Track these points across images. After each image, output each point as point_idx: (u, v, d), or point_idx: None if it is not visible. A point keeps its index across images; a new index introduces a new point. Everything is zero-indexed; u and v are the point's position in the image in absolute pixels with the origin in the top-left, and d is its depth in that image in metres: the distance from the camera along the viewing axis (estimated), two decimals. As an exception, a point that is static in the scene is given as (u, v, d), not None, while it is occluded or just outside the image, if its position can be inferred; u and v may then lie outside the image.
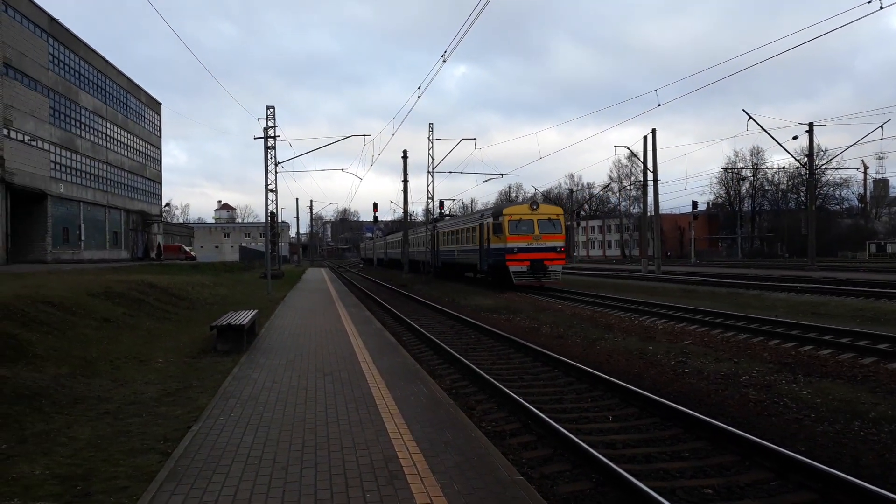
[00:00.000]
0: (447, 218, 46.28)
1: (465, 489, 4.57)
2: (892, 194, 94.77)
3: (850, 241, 77.51)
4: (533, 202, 30.07)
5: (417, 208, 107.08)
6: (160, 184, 69.35)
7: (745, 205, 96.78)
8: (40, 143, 42.20)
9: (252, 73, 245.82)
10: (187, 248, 74.23)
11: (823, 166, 65.06)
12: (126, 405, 7.48)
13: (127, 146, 59.18)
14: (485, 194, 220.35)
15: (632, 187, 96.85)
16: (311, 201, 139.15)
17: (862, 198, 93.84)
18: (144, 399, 7.81)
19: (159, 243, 66.29)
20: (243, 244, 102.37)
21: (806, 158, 41.37)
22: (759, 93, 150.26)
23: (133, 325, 13.99)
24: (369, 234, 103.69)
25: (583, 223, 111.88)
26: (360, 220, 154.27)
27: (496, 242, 29.40)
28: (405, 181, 46.17)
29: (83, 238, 48.64)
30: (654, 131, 37.69)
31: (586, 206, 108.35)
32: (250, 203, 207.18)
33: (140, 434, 6.27)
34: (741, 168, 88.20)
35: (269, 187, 31.38)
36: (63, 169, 45.74)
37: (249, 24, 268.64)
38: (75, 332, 11.61)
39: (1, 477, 4.99)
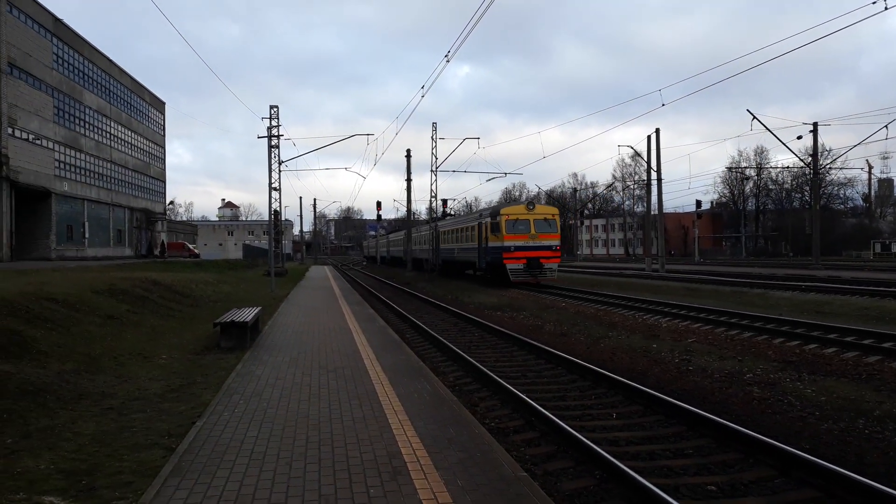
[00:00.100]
0: (448, 217, 46.59)
1: (469, 485, 4.56)
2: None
3: (854, 241, 77.27)
4: (530, 202, 30.94)
5: (421, 207, 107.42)
6: (164, 182, 69.50)
7: (749, 204, 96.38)
8: (44, 142, 42.33)
9: (256, 73, 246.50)
10: (191, 246, 74.16)
11: (828, 166, 65.02)
12: (130, 401, 7.49)
13: (131, 145, 59.32)
14: (488, 193, 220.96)
15: (635, 186, 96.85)
16: (315, 200, 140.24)
17: (866, 197, 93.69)
18: (148, 395, 7.83)
19: (163, 241, 66.37)
20: (247, 242, 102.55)
21: (810, 158, 41.22)
22: (763, 93, 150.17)
23: (137, 322, 14.01)
24: (372, 233, 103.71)
25: (586, 222, 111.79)
26: (364, 218, 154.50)
27: (494, 241, 29.96)
28: (408, 180, 46.30)
29: (87, 236, 48.77)
30: (657, 131, 37.82)
31: (590, 205, 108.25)
32: (254, 202, 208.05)
33: (144, 429, 6.28)
34: (745, 167, 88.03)
35: (273, 186, 31.52)
36: (67, 167, 45.87)
37: (253, 24, 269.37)
38: (79, 329, 11.64)
39: (6, 471, 5.01)
